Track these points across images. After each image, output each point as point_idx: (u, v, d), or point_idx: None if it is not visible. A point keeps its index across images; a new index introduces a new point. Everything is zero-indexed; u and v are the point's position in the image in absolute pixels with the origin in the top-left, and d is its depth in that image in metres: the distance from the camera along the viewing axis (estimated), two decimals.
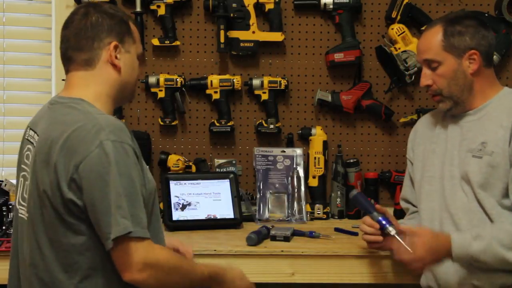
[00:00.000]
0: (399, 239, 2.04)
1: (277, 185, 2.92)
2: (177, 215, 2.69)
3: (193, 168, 2.96)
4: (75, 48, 1.83)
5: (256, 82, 2.98)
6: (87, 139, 1.67)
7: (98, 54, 1.81)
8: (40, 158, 1.74)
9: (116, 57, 1.81)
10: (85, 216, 1.70)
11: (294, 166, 2.93)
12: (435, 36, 2.15)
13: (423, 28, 2.95)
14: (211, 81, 2.97)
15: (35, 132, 1.83)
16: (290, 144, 3.01)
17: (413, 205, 2.36)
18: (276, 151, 2.96)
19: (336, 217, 2.96)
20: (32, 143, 1.82)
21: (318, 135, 2.99)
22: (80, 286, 1.74)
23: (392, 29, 2.97)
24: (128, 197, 1.67)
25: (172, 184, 2.76)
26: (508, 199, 2.05)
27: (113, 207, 1.65)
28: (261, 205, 2.87)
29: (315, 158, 2.97)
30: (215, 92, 2.97)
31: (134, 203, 1.69)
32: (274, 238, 2.47)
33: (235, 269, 1.99)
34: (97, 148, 1.66)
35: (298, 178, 2.92)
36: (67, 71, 1.89)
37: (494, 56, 2.54)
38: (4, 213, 2.48)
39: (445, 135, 2.22)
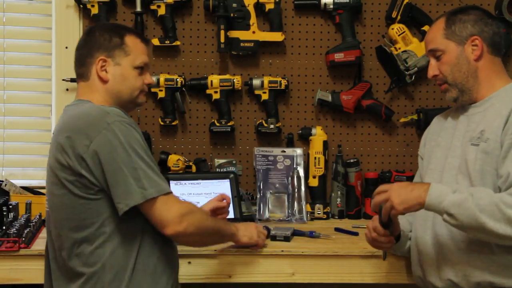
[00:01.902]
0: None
1: (277, 185, 2.92)
2: None
3: (193, 168, 2.96)
4: (76, 63, 2.13)
5: (256, 82, 2.98)
6: (95, 122, 1.91)
7: (90, 68, 2.08)
8: (52, 144, 2.01)
9: (105, 70, 2.07)
10: (95, 191, 1.92)
11: (294, 166, 2.93)
12: (438, 27, 2.19)
13: (423, 28, 2.97)
14: (211, 81, 2.97)
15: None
16: (290, 144, 3.01)
17: None
18: (276, 151, 2.96)
19: (336, 217, 2.96)
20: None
21: (318, 135, 2.99)
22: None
23: (392, 29, 2.97)
24: (146, 164, 1.90)
25: (172, 184, 2.76)
26: None
27: (135, 175, 1.89)
28: (261, 205, 2.86)
29: (315, 158, 2.97)
30: (215, 92, 2.97)
31: (152, 168, 1.92)
32: (274, 238, 2.47)
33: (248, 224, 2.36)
34: (105, 130, 1.89)
35: (298, 178, 2.92)
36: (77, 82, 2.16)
37: None
38: (4, 213, 2.48)
39: (452, 129, 2.22)
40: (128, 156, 1.89)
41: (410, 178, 2.81)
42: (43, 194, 2.71)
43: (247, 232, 2.27)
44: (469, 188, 1.98)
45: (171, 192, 1.95)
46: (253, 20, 2.97)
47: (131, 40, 2.11)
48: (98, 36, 2.09)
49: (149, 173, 1.90)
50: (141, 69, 2.12)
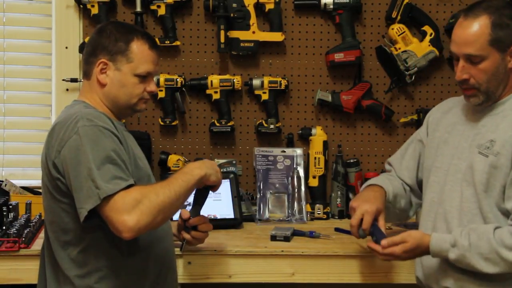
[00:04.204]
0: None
1: (277, 185, 2.92)
2: (177, 215, 2.69)
3: None
4: (83, 60, 2.11)
5: (256, 82, 2.98)
6: (69, 128, 1.90)
7: (92, 68, 2.05)
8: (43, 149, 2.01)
9: (105, 73, 2.03)
10: (70, 196, 1.89)
11: (294, 166, 2.93)
12: (481, 28, 1.98)
13: (423, 28, 2.97)
14: (211, 81, 2.97)
15: None
16: (290, 144, 3.01)
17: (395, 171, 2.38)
18: (276, 151, 2.96)
19: (336, 217, 2.96)
20: None
21: (318, 135, 2.99)
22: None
23: (392, 29, 2.97)
24: (103, 165, 1.82)
25: None
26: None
27: (92, 177, 1.81)
28: (261, 205, 2.86)
29: (315, 158, 2.97)
30: (215, 92, 2.97)
31: (112, 166, 1.84)
32: (274, 238, 2.47)
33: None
34: (75, 135, 1.87)
35: (298, 178, 2.92)
36: (82, 79, 2.16)
37: None
38: (4, 213, 2.48)
39: (461, 126, 2.14)
40: (86, 159, 1.82)
41: None
42: None
43: (212, 170, 2.07)
44: (467, 231, 1.98)
45: (124, 189, 1.81)
46: (253, 20, 2.97)
47: (137, 47, 2.03)
48: (105, 37, 2.03)
49: (103, 174, 1.81)
50: (144, 77, 2.05)
